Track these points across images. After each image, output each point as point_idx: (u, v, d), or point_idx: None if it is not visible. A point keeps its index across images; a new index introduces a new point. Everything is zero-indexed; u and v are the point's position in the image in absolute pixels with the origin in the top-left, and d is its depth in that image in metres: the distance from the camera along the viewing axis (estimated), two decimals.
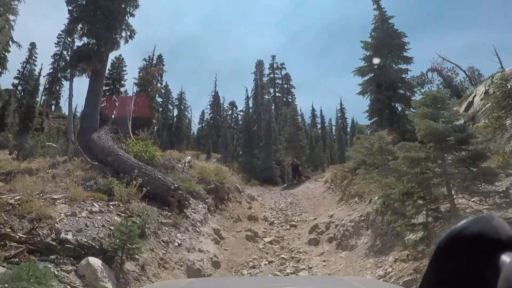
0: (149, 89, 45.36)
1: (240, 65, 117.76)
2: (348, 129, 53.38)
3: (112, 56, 50.46)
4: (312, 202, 18.93)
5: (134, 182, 11.20)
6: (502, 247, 0.58)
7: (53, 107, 54.60)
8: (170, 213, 11.03)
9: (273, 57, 61.15)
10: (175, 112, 59.82)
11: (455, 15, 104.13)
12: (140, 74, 46.15)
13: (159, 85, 53.65)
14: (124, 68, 48.86)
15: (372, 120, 17.08)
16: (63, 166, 14.78)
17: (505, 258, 0.56)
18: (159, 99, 54.81)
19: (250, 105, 46.49)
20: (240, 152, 41.94)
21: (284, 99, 58.10)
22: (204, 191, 13.69)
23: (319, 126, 57.90)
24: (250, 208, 16.11)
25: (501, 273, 0.54)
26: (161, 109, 57.44)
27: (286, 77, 60.63)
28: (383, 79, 16.60)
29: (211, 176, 14.63)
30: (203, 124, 70.56)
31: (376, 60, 17.66)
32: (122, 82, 48.12)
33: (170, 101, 62.25)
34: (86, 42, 19.62)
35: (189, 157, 18.82)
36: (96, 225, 8.76)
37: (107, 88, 47.27)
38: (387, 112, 16.52)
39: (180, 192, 11.61)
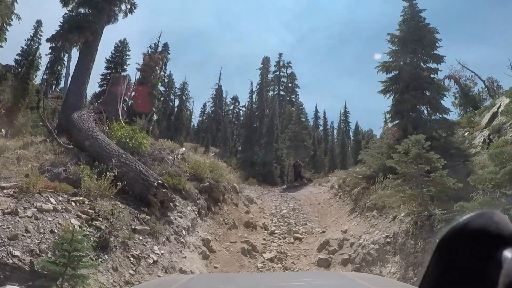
0: (152, 76, 42.91)
1: (246, 61, 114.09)
2: (351, 134, 50.83)
3: (116, 39, 48.36)
4: (316, 209, 16.38)
5: (109, 173, 8.65)
6: (504, 243, 0.55)
7: (53, 87, 52.06)
8: (149, 217, 8.44)
9: (280, 54, 58.22)
10: (177, 102, 57.02)
11: (471, 26, 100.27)
12: (144, 60, 43.89)
13: (162, 73, 51.30)
14: (127, 53, 46.28)
15: (395, 122, 14.49)
16: (36, 147, 12.31)
17: (507, 253, 0.53)
18: (162, 88, 52.42)
19: (254, 99, 43.75)
20: (240, 148, 39.18)
21: (288, 98, 55.45)
22: (195, 190, 11.12)
23: (321, 128, 55.12)
24: (247, 213, 13.52)
25: (503, 269, 0.52)
26: (162, 99, 55.01)
27: (291, 76, 57.85)
28: (410, 77, 14.04)
29: (205, 173, 12.02)
30: (204, 117, 68.22)
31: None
32: (125, 67, 45.60)
33: (172, 91, 59.58)
34: (81, 12, 17.12)
35: (184, 148, 16.26)
36: (42, 230, 6.20)
37: (108, 72, 44.94)
38: (412, 115, 13.96)
39: (164, 190, 9.01)
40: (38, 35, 47.47)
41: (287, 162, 30.90)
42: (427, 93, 14.16)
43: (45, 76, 47.84)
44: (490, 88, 27.15)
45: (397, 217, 9.97)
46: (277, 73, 56.81)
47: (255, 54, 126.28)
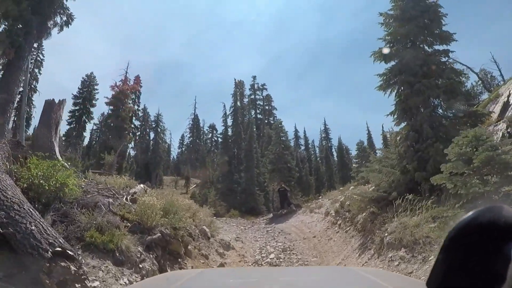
0: (121, 109, 39.08)
1: (221, 87, 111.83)
2: (333, 150, 47.36)
3: (82, 73, 44.51)
4: (312, 244, 12.54)
5: None
6: None
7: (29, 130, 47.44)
8: None
9: (254, 77, 54.89)
10: (152, 135, 53.13)
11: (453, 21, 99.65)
12: (113, 93, 40.20)
13: (136, 107, 47.57)
14: (96, 87, 42.43)
15: (403, 124, 10.88)
16: None
17: None
18: (137, 123, 48.66)
19: (229, 123, 39.81)
20: (220, 178, 34.91)
21: (266, 121, 51.98)
22: (139, 248, 7.15)
23: (302, 148, 51.55)
24: (222, 265, 9.50)
25: (511, 263, 0.51)
26: (138, 133, 51.15)
27: (267, 98, 54.54)
28: (417, 64, 10.57)
29: (154, 219, 8.02)
30: (183, 149, 64.49)
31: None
32: (94, 102, 41.71)
33: (148, 125, 55.65)
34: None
35: (141, 185, 12.26)
36: None
37: (76, 108, 40.96)
38: (426, 111, 10.40)
39: (63, 264, 5.01)
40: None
41: (271, 187, 27.01)
42: (439, 81, 10.71)
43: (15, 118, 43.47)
44: (484, 80, 24.35)
45: None
46: (252, 96, 53.50)
47: (229, 80, 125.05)
